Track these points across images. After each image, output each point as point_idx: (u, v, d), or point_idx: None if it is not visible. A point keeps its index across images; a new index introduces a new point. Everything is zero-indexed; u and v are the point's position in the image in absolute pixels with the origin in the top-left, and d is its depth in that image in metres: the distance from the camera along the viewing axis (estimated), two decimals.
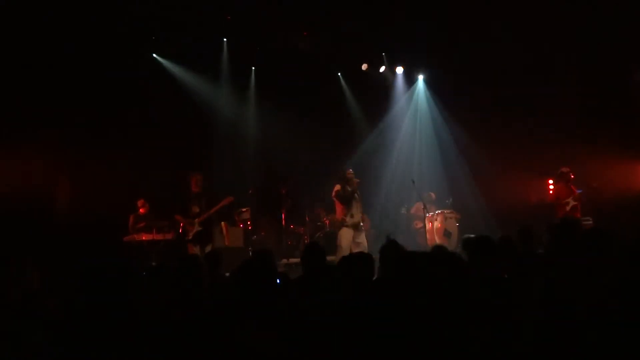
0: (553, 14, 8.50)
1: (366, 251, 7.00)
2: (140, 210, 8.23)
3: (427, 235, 8.78)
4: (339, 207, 7.27)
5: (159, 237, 7.86)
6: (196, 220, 7.12)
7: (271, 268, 3.62)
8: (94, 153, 8.35)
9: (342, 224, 7.20)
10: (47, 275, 3.91)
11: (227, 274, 4.59)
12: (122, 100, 8.64)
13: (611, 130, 8.91)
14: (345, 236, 7.14)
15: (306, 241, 8.87)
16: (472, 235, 3.80)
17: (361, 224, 7.32)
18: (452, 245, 8.27)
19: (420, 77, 10.83)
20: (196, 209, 7.30)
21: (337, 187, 7.26)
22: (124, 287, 3.03)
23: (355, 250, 7.09)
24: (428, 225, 8.90)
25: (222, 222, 7.93)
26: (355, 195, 7.25)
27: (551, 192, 8.53)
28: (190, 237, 7.12)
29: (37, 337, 2.64)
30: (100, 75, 8.20)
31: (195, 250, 7.11)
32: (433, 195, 9.36)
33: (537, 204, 9.32)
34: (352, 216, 7.17)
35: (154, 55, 9.28)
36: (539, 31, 8.73)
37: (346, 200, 7.15)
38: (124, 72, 8.62)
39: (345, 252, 6.98)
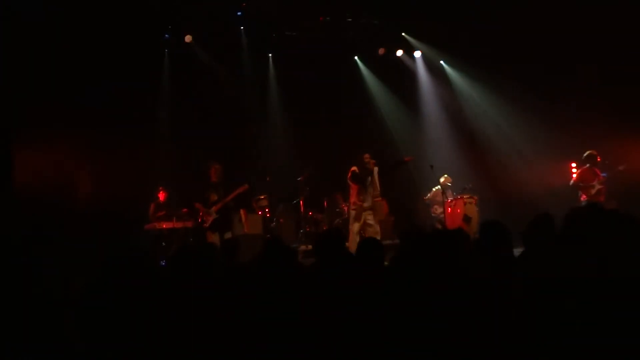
0: None
1: (378, 233, 7.09)
2: (160, 198, 8.35)
3: (447, 221, 8.69)
4: (353, 190, 7.33)
5: (179, 225, 7.98)
6: (213, 208, 7.18)
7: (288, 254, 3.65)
8: (115, 142, 8.47)
9: (357, 206, 7.25)
10: (70, 265, 4.00)
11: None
12: (142, 91, 8.72)
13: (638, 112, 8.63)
14: (355, 220, 7.21)
15: (324, 228, 8.88)
16: (490, 220, 3.74)
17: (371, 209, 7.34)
18: (472, 230, 8.17)
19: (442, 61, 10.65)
20: (214, 198, 7.36)
21: (353, 168, 7.33)
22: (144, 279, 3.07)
23: (367, 231, 7.15)
24: (447, 211, 8.82)
25: (241, 210, 7.97)
26: (370, 178, 7.26)
27: (574, 175, 8.32)
28: (208, 225, 7.19)
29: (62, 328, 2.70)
30: (121, 67, 8.30)
31: (214, 237, 7.19)
32: (449, 178, 9.21)
33: (559, 187, 9.11)
34: (365, 200, 7.21)
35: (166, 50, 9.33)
36: (562, 12, 8.47)
37: (360, 181, 7.19)
38: (145, 63, 8.73)
39: (355, 234, 7.05)
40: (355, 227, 7.17)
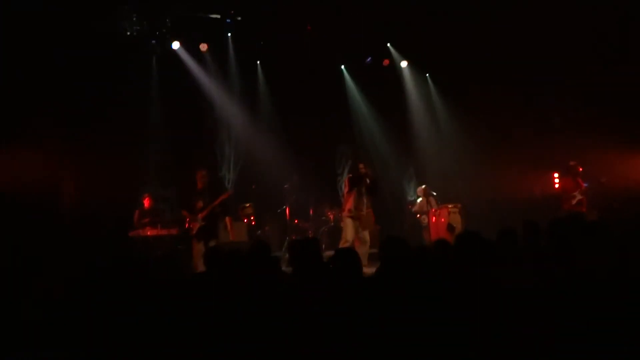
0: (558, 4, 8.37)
1: (367, 242, 7.10)
2: (145, 205, 8.31)
3: (431, 230, 8.74)
4: (349, 198, 7.40)
5: (163, 232, 7.92)
6: (199, 215, 7.17)
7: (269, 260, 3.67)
8: (98, 148, 8.43)
9: (353, 214, 7.30)
10: (53, 272, 3.96)
11: None
12: (126, 97, 8.69)
13: (621, 125, 8.77)
14: (349, 227, 7.18)
15: (310, 236, 8.89)
16: (468, 231, 3.79)
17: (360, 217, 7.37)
18: None
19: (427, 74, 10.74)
20: (200, 205, 7.34)
21: (350, 175, 7.58)
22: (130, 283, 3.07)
23: (359, 244, 7.13)
24: (432, 220, 8.87)
25: (226, 217, 7.96)
26: (364, 187, 7.33)
27: (557, 185, 8.45)
28: (194, 233, 7.17)
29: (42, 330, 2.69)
30: (105, 73, 8.28)
31: (200, 245, 7.15)
32: (428, 188, 9.28)
33: (542, 197, 9.24)
34: (356, 208, 7.23)
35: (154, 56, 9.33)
36: (545, 22, 8.62)
37: (357, 185, 7.28)
38: (129, 68, 8.71)
39: (350, 242, 7.05)
40: (349, 235, 7.17)
